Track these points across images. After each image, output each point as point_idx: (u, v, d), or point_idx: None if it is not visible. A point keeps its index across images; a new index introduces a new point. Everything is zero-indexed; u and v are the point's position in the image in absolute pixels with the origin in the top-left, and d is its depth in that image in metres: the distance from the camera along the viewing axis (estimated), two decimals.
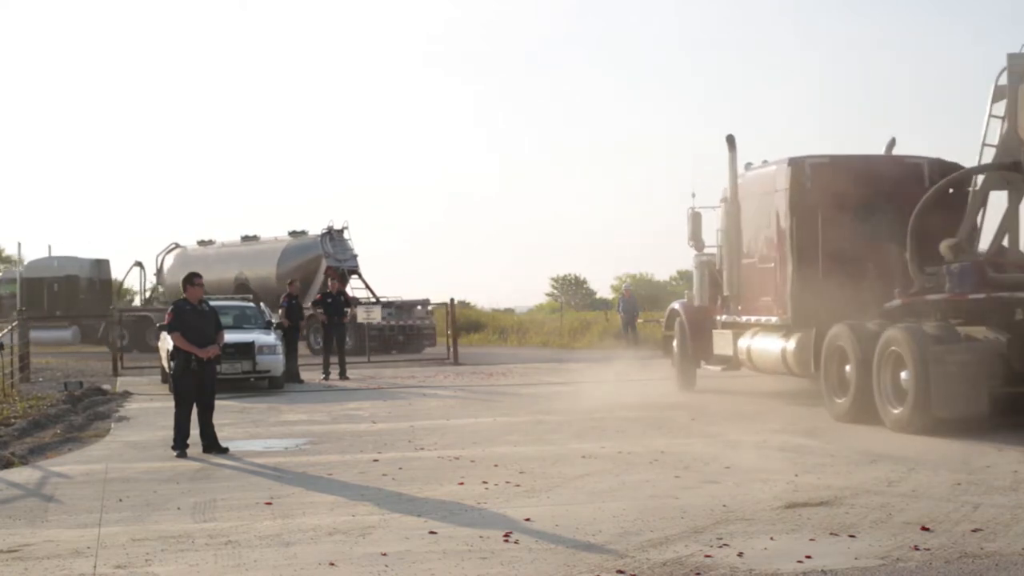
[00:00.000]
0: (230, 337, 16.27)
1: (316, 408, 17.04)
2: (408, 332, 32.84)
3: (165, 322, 12.78)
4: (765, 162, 16.41)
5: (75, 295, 40.01)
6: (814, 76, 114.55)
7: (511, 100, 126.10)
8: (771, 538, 7.27)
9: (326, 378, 23.06)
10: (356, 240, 36.31)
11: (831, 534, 7.35)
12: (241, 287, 36.37)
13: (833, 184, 14.87)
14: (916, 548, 6.90)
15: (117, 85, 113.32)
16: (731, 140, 16.97)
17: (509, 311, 61.44)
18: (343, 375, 23.20)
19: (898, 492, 8.82)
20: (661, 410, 15.46)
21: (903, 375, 12.61)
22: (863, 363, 13.32)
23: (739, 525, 7.70)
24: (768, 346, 15.95)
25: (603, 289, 78.65)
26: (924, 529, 7.42)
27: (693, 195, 18.20)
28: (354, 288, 34.86)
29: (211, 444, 12.15)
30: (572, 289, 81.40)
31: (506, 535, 7.51)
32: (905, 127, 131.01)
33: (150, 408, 17.39)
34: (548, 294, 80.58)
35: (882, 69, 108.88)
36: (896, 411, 12.68)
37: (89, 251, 57.76)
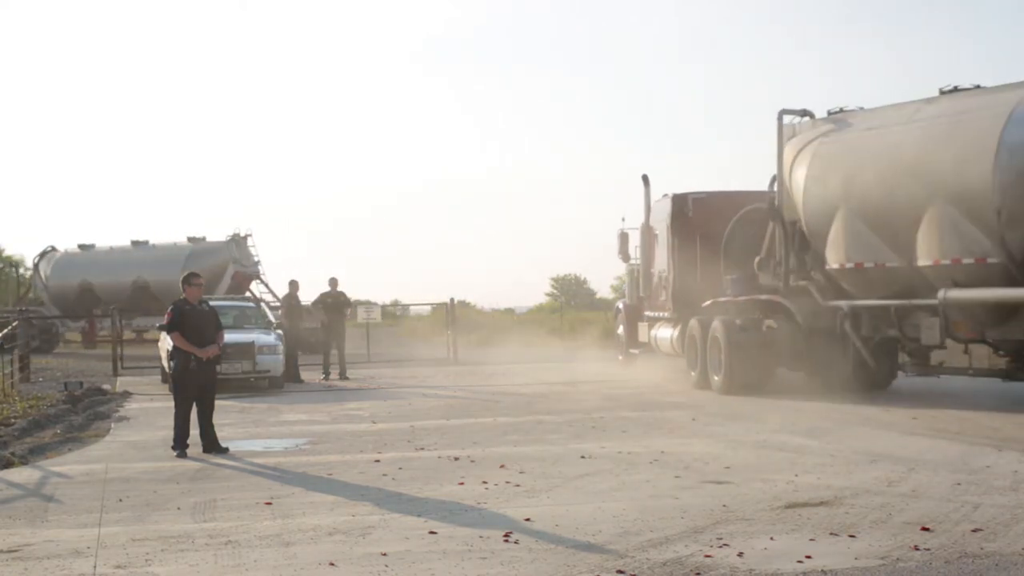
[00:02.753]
0: (230, 337, 16.27)
1: (316, 408, 17.04)
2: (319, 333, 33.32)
3: (164, 322, 12.77)
4: (666, 195, 21.15)
5: None
6: (813, 76, 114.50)
7: (511, 100, 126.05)
8: (771, 538, 7.27)
9: (326, 378, 23.07)
10: (361, 242, 37.56)
11: (831, 534, 7.35)
12: (140, 291, 37.13)
13: (709, 213, 19.91)
14: (916, 548, 6.90)
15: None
16: (645, 179, 22.00)
17: (509, 311, 61.36)
18: (343, 375, 23.21)
19: (898, 492, 8.81)
20: (661, 410, 15.48)
21: (721, 354, 17.57)
22: (703, 345, 18.35)
23: (739, 525, 7.69)
24: (664, 334, 20.90)
25: (603, 289, 78.50)
26: (924, 529, 7.42)
27: (623, 219, 23.83)
28: (261, 292, 37.59)
29: (211, 444, 12.14)
30: (572, 289, 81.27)
31: (506, 535, 7.50)
32: None
33: (150, 408, 17.39)
34: (548, 294, 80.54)
35: (881, 72, 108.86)
36: (716, 378, 17.89)
37: None
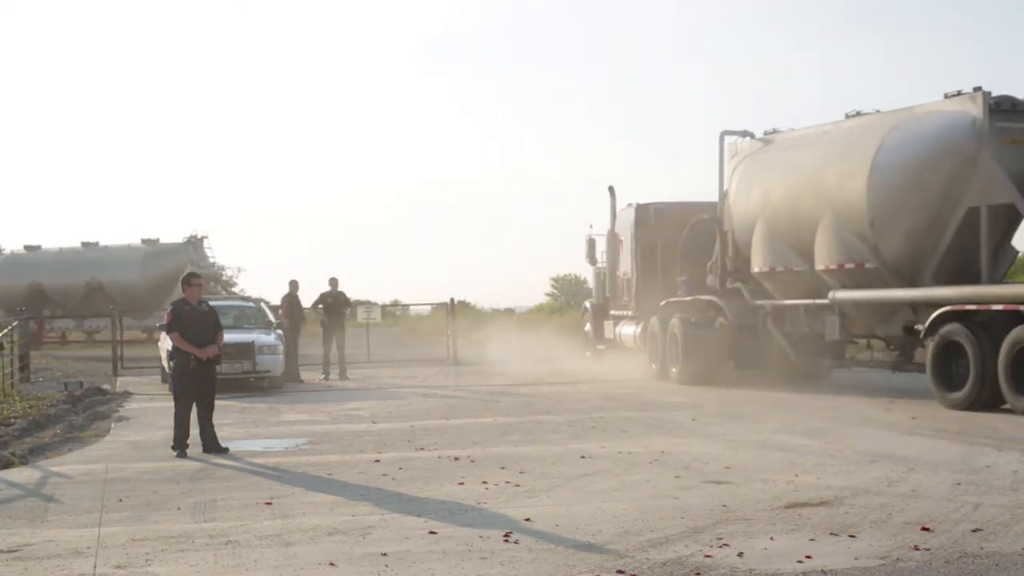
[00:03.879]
0: (230, 337, 16.26)
1: (316, 408, 17.05)
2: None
3: (164, 322, 12.77)
4: (630, 204, 22.97)
5: None
6: (813, 74, 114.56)
7: (511, 100, 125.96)
8: (771, 538, 7.27)
9: (326, 378, 23.07)
10: (361, 242, 37.83)
11: (831, 534, 7.35)
12: (95, 292, 37.24)
13: (669, 221, 21.82)
14: (916, 548, 6.90)
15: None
16: (611, 190, 23.81)
17: (509, 311, 61.37)
18: (343, 375, 23.21)
19: (898, 492, 8.82)
20: (661, 410, 15.48)
21: (679, 348, 19.81)
22: (663, 341, 20.51)
23: (739, 525, 7.69)
24: (627, 331, 22.83)
25: None
26: (924, 529, 7.42)
27: (591, 226, 25.36)
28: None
29: (211, 444, 12.14)
30: (572, 289, 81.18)
31: (506, 535, 7.51)
32: None
33: (150, 408, 17.40)
34: (548, 294, 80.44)
35: (880, 75, 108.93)
36: (674, 369, 20.09)
37: None
